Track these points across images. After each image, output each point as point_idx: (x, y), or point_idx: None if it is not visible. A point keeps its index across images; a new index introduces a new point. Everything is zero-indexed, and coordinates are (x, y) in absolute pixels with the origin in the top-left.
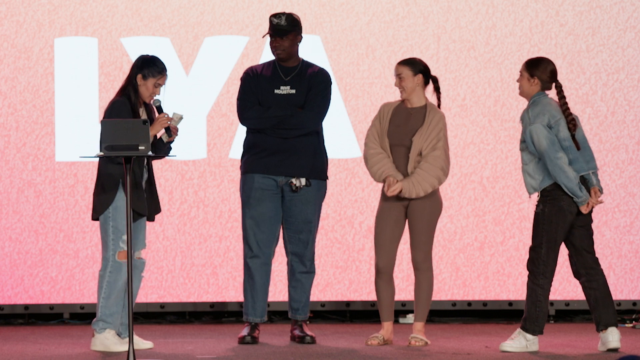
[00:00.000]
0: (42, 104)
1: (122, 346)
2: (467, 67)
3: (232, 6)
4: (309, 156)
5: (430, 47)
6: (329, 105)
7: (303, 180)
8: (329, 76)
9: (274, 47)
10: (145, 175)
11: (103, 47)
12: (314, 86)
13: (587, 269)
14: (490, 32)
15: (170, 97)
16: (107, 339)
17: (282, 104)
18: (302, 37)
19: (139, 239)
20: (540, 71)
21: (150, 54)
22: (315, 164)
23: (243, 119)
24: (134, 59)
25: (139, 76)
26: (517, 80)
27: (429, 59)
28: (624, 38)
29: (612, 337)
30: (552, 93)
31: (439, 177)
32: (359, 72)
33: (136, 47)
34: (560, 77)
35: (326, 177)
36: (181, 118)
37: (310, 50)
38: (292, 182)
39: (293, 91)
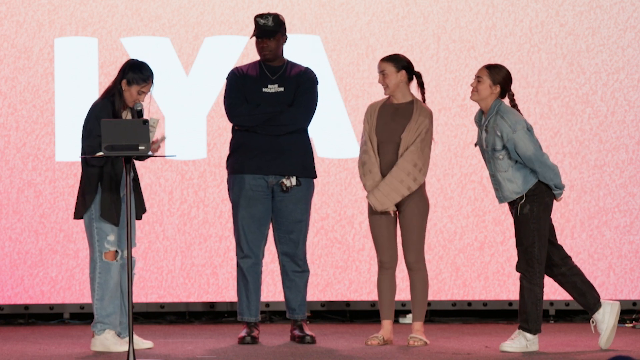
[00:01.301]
0: (42, 104)
1: (122, 346)
2: (467, 67)
3: (232, 6)
4: (299, 154)
5: (430, 47)
6: (317, 103)
7: (294, 180)
8: (316, 75)
9: (260, 48)
10: (131, 174)
11: (103, 47)
12: (302, 84)
13: (563, 258)
14: (490, 32)
15: (170, 97)
16: (107, 339)
17: (271, 102)
18: (286, 37)
19: (125, 238)
20: (504, 80)
21: (141, 59)
22: (305, 162)
23: (233, 116)
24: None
25: (124, 81)
26: (473, 85)
27: (429, 59)
28: (624, 38)
29: (607, 304)
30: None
31: (408, 183)
32: (359, 72)
33: (136, 47)
34: (560, 77)
35: (315, 176)
36: (157, 121)
37: (310, 50)
38: (282, 182)
39: (281, 89)
